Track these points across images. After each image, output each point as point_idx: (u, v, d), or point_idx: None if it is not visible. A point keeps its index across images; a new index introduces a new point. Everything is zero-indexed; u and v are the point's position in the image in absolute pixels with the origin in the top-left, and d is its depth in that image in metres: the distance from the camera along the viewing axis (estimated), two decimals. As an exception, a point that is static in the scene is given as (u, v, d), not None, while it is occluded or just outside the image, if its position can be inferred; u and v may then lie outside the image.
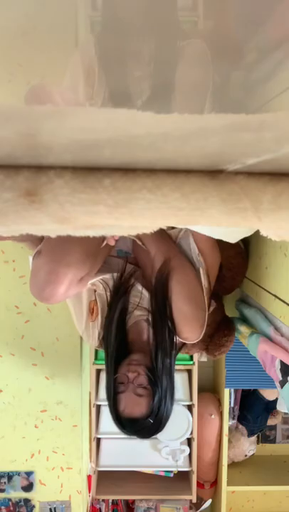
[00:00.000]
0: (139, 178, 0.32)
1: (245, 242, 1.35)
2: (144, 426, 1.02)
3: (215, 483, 2.20)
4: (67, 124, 0.29)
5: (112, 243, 1.04)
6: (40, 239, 1.02)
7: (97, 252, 1.01)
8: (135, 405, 1.00)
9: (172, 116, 0.30)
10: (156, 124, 0.30)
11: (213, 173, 0.33)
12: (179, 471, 2.08)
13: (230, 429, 2.13)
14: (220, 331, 1.33)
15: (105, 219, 0.31)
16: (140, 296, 1.10)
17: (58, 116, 0.29)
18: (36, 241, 1.04)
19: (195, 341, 1.07)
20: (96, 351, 1.94)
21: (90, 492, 2.01)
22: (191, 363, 1.96)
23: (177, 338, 1.07)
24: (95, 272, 1.04)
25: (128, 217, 0.31)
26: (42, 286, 0.90)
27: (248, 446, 2.22)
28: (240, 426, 2.18)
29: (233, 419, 2.15)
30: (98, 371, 1.96)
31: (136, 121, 0.29)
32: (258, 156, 0.32)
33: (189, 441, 2.06)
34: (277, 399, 2.04)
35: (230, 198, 0.32)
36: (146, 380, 1.01)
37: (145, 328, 1.09)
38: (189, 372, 2.03)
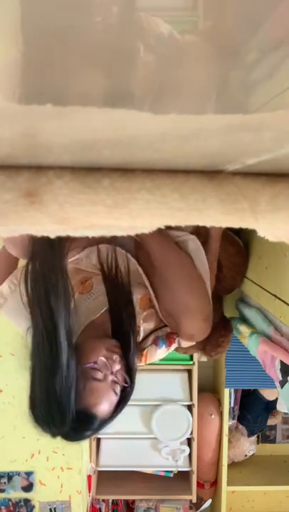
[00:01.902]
0: (138, 179, 0.32)
1: (245, 241, 1.35)
2: (94, 428, 0.85)
3: (215, 483, 2.21)
4: (67, 124, 0.29)
5: None
6: None
7: None
8: (107, 402, 0.84)
9: (171, 116, 0.30)
10: (155, 124, 0.30)
11: (212, 174, 0.33)
12: (179, 471, 2.08)
13: (230, 429, 2.13)
14: (217, 331, 1.33)
15: (104, 219, 0.31)
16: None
17: (58, 116, 0.29)
18: None
19: (202, 338, 0.97)
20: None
21: (90, 492, 2.01)
22: (191, 363, 1.96)
23: (179, 341, 0.97)
24: None
25: (127, 217, 0.32)
26: None
27: (248, 446, 2.22)
28: (240, 426, 2.18)
29: (233, 419, 2.15)
30: (98, 371, 1.96)
31: (135, 120, 0.29)
32: (258, 156, 0.32)
33: (189, 441, 2.06)
34: (277, 399, 2.04)
35: (229, 198, 0.32)
36: (125, 379, 0.87)
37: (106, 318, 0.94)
38: (189, 372, 2.03)
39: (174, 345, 1.00)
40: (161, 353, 0.98)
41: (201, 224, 0.34)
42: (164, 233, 1.04)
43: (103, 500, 2.17)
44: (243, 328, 1.35)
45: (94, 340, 0.88)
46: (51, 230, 0.34)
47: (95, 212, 0.31)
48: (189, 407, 1.99)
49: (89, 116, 0.29)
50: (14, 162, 0.32)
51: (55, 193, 0.31)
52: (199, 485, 2.13)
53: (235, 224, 0.34)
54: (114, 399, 0.85)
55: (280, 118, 0.31)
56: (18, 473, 1.88)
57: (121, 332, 0.91)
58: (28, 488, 1.90)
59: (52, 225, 0.32)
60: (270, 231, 0.35)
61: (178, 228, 1.03)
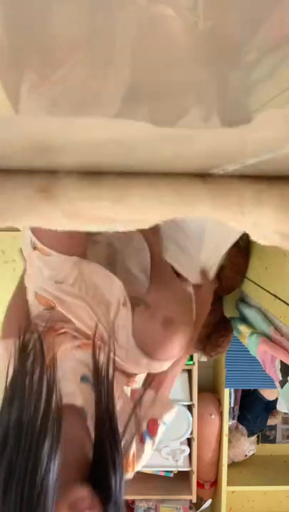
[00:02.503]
0: (137, 178, 0.34)
1: (246, 241, 1.35)
2: None
3: (215, 483, 2.21)
4: (75, 134, 0.30)
5: None
6: None
7: None
8: None
9: (169, 121, 0.31)
10: (154, 129, 0.31)
11: (205, 174, 0.35)
12: (179, 471, 2.08)
13: (230, 429, 2.13)
14: (217, 331, 1.34)
15: (107, 213, 0.34)
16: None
17: (67, 126, 0.30)
18: None
19: (161, 355, 0.79)
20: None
21: (90, 492, 2.01)
22: (191, 363, 1.96)
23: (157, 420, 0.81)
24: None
25: (126, 211, 0.34)
26: None
27: (248, 446, 2.22)
28: (240, 426, 2.18)
29: (233, 419, 2.16)
30: (98, 371, 1.96)
31: (136, 126, 0.30)
32: (258, 156, 0.32)
33: (189, 441, 2.06)
34: (277, 399, 2.04)
35: (219, 193, 0.34)
36: None
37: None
38: (189, 372, 2.04)
39: (159, 433, 0.84)
40: (148, 449, 0.80)
41: (194, 216, 0.36)
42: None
43: (103, 500, 2.18)
44: (243, 328, 1.35)
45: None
46: (61, 223, 0.37)
47: (99, 207, 0.33)
48: (189, 407, 1.99)
49: (94, 126, 0.30)
50: (30, 165, 0.34)
51: (65, 190, 0.33)
52: (199, 485, 2.13)
53: (226, 218, 0.36)
54: None
55: (279, 118, 0.31)
56: (19, 473, 1.88)
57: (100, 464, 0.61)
58: (29, 487, 1.89)
59: (63, 218, 0.35)
60: (259, 230, 0.37)
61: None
